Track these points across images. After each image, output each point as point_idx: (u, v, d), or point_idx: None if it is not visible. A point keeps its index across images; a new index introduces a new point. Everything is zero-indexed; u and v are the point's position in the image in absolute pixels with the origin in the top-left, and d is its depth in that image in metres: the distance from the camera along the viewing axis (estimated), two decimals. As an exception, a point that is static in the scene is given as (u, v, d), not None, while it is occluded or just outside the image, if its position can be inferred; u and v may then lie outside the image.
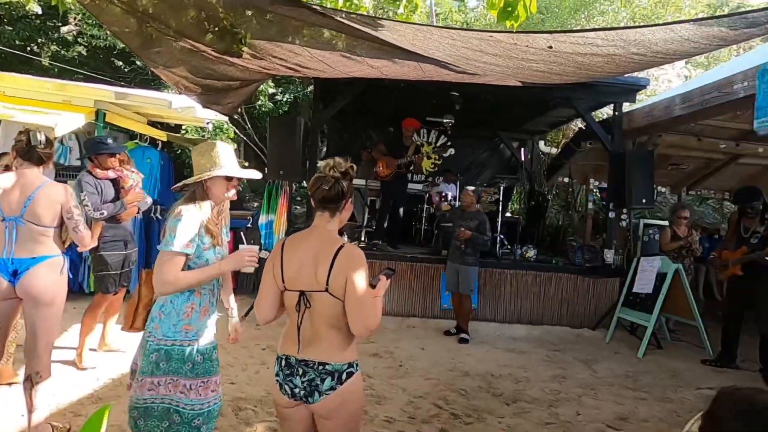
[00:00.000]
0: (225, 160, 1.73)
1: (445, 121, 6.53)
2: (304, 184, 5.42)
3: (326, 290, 1.43)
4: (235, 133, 9.13)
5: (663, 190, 7.82)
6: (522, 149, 8.37)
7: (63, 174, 5.33)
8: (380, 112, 7.51)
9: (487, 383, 3.55)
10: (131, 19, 2.85)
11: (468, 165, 8.25)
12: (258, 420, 2.71)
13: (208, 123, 6.13)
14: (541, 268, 5.35)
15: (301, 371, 1.46)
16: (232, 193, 1.80)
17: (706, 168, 7.06)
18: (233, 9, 2.85)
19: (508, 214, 7.87)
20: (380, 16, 3.11)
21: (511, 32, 2.19)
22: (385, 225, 5.92)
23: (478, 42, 2.34)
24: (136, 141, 5.48)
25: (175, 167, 5.69)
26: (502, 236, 5.76)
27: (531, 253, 5.46)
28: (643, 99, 7.06)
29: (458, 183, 6.93)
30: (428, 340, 4.49)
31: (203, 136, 7.69)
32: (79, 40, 10.05)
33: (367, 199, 6.39)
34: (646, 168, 5.11)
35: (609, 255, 5.39)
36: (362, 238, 5.74)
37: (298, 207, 10.07)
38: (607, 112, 7.23)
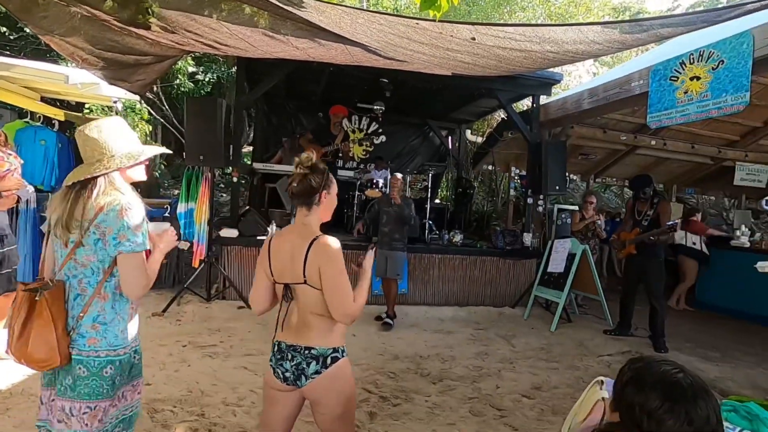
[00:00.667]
0: (119, 146, 1.48)
1: (375, 107, 6.53)
2: (229, 170, 5.12)
3: (305, 282, 1.51)
4: (150, 114, 8.37)
5: (574, 177, 8.54)
6: (450, 138, 8.64)
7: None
8: (310, 96, 7.31)
9: (415, 365, 3.66)
10: (9, -23, 2.45)
11: (399, 152, 8.37)
12: (177, 421, 2.55)
13: (116, 101, 5.52)
14: (467, 252, 5.60)
15: (290, 356, 1.54)
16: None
17: (609, 158, 7.81)
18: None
19: (437, 201, 8.13)
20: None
21: (435, 21, 2.21)
22: None
23: (405, 29, 2.34)
24: (27, 120, 4.80)
25: (75, 150, 5.06)
26: (430, 222, 5.94)
27: (458, 237, 5.69)
28: (558, 92, 7.59)
29: (389, 170, 7.01)
30: (359, 327, 4.51)
31: (111, 116, 6.94)
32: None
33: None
34: (560, 157, 5.52)
35: (527, 238, 5.79)
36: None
37: (224, 195, 9.56)
38: (526, 103, 7.68)
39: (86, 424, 1.39)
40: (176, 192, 7.85)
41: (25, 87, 4.94)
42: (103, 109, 6.92)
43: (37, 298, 1.38)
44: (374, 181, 6.44)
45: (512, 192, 8.33)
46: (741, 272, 5.88)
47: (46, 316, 1.37)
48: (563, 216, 6.51)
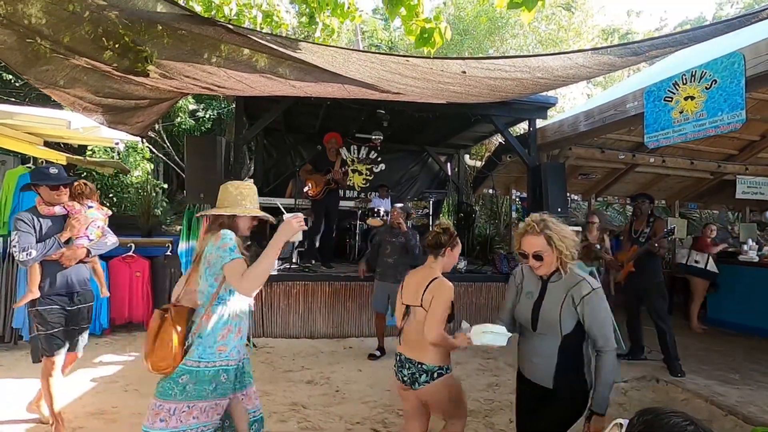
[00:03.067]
0: (251, 201, 1.98)
1: (373, 137, 6.59)
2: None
3: (420, 305, 2.10)
4: (151, 152, 8.50)
5: (575, 197, 8.52)
6: (449, 163, 8.69)
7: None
8: (308, 128, 7.41)
9: (424, 400, 3.55)
10: (11, 35, 2.52)
11: (399, 179, 8.40)
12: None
13: (117, 143, 5.61)
14: (471, 279, 5.52)
15: (406, 366, 2.12)
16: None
17: (609, 177, 7.81)
18: (136, 24, 2.64)
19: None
20: (298, 38, 3.05)
21: (426, 57, 2.25)
22: (317, 245, 5.80)
23: (396, 66, 2.38)
24: (29, 165, 4.87)
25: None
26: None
27: (462, 264, 5.62)
28: (554, 115, 7.67)
29: (390, 198, 7.03)
30: (365, 361, 4.41)
31: (113, 157, 7.04)
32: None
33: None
34: (560, 179, 5.52)
35: (532, 262, 5.71)
36: (294, 260, 5.56)
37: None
38: (523, 127, 7.75)
39: (181, 421, 1.69)
40: (178, 228, 7.87)
41: (28, 133, 5.04)
42: (105, 150, 7.04)
43: (164, 316, 1.77)
44: (375, 209, 6.44)
45: (514, 214, 8.31)
46: (751, 287, 5.78)
47: (171, 331, 1.72)
48: (567, 237, 6.47)
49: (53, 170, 2.80)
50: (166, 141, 9.21)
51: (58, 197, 2.76)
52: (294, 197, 5.81)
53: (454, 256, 2.20)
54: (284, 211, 2.05)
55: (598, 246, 5.25)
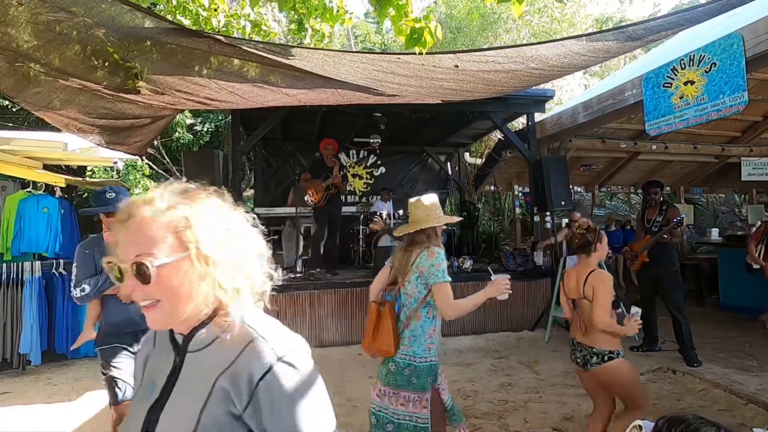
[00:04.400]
0: (440, 211, 2.16)
1: (372, 141, 6.57)
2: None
3: (583, 297, 2.32)
4: (151, 168, 8.50)
5: (579, 189, 8.44)
6: (449, 162, 8.64)
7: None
8: (306, 136, 7.39)
9: (437, 404, 3.49)
10: (1, 60, 2.50)
11: (400, 181, 8.37)
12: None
13: (116, 162, 5.61)
14: (478, 278, 5.45)
15: (579, 349, 2.37)
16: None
17: (612, 166, 7.73)
18: (124, 41, 2.62)
19: (442, 227, 8.04)
20: (288, 44, 3.02)
21: (416, 54, 2.21)
22: (321, 252, 5.76)
23: (387, 64, 2.34)
24: (29, 189, 4.87)
25: (78, 214, 5.10)
26: (438, 250, 5.83)
27: (467, 264, 5.56)
28: (552, 108, 7.61)
29: (392, 201, 6.99)
30: (376, 368, 4.35)
31: (113, 176, 7.05)
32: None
33: (302, 227, 6.20)
34: (562, 172, 5.45)
35: (538, 257, 5.65)
36: (299, 269, 5.52)
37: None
38: (522, 121, 7.70)
39: (401, 405, 1.96)
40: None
41: (27, 157, 5.04)
42: (104, 170, 7.05)
43: (380, 309, 2.05)
44: (378, 213, 6.40)
45: (518, 210, 8.24)
46: (762, 270, 5.67)
47: (388, 321, 2.00)
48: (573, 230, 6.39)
49: (109, 194, 2.47)
50: (166, 157, 9.23)
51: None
52: (295, 206, 5.78)
53: (604, 247, 2.39)
54: (491, 272, 2.21)
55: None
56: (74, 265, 2.32)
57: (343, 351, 4.82)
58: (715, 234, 7.86)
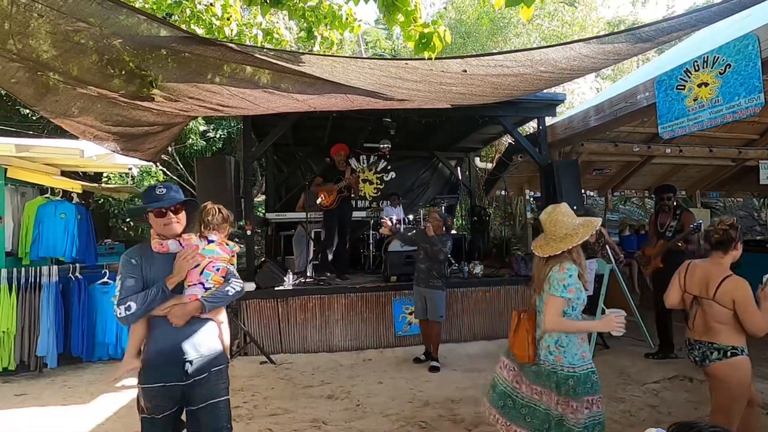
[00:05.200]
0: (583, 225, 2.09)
1: (382, 146, 6.58)
2: (241, 223, 5.15)
3: (713, 299, 2.27)
4: (165, 175, 8.65)
5: (591, 193, 8.34)
6: (459, 167, 8.62)
7: (-42, 241, 4.72)
8: (317, 141, 7.45)
9: (447, 410, 3.46)
10: (22, 70, 2.58)
11: (410, 187, 8.36)
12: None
13: (131, 168, 5.73)
14: (488, 283, 5.42)
15: (697, 347, 2.36)
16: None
17: (625, 170, 7.62)
18: (140, 50, 2.68)
19: (453, 232, 8.01)
20: (298, 51, 3.06)
21: (425, 59, 2.22)
22: (330, 257, 5.77)
23: (396, 70, 2.35)
24: (47, 195, 4.98)
25: (95, 220, 5.21)
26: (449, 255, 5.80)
27: (478, 269, 5.52)
28: (563, 112, 7.56)
29: (402, 206, 6.99)
30: (386, 373, 4.35)
31: (128, 182, 7.19)
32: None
33: (312, 232, 6.23)
34: (573, 176, 5.40)
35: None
36: (309, 273, 5.55)
37: (242, 246, 9.64)
38: (532, 126, 7.66)
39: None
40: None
41: (45, 164, 5.18)
42: (120, 176, 7.20)
43: (520, 317, 2.14)
44: (389, 218, 6.40)
45: (529, 214, 8.17)
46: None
47: (523, 329, 2.09)
48: (585, 235, 6.30)
49: (159, 190, 2.03)
50: (179, 163, 9.38)
51: (166, 227, 1.99)
52: (305, 210, 5.81)
53: (740, 247, 2.36)
54: (605, 309, 2.31)
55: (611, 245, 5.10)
56: (118, 277, 1.92)
57: (352, 356, 4.81)
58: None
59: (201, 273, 2.00)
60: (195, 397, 1.93)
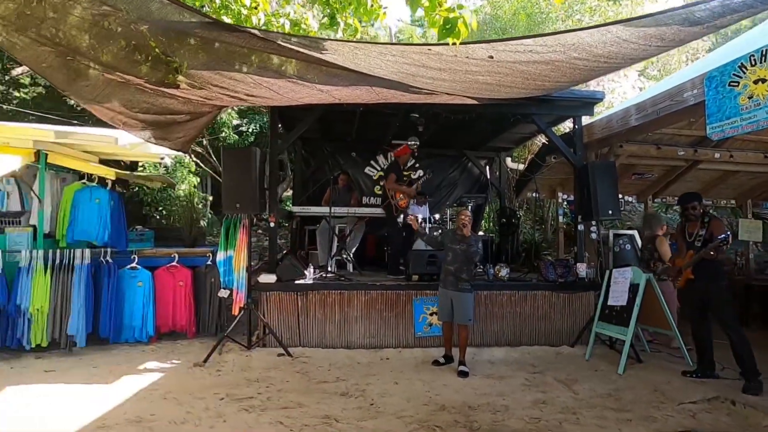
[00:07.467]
0: None
1: (410, 143, 6.47)
2: (265, 216, 5.18)
3: None
4: (198, 166, 8.87)
5: (630, 199, 7.91)
6: (489, 167, 8.39)
7: (1, 221, 4.97)
8: (344, 136, 7.42)
9: (464, 416, 3.31)
10: (53, 55, 2.65)
11: (438, 185, 8.20)
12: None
13: (163, 158, 5.88)
14: (514, 287, 5.21)
15: None
16: None
17: (669, 175, 7.17)
18: (165, 36, 2.70)
19: (480, 233, 7.79)
20: (321, 37, 3.00)
21: (448, 44, 2.10)
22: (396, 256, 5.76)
23: (418, 56, 2.25)
24: (83, 181, 5.17)
25: (127, 206, 5.37)
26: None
27: (504, 272, 5.32)
28: (601, 112, 7.20)
29: (428, 205, 6.85)
30: (402, 374, 4.24)
31: (161, 172, 7.40)
32: (37, 80, 9.77)
33: (336, 227, 6.20)
34: (610, 179, 5.11)
35: (582, 268, 5.31)
36: (330, 268, 5.51)
37: (265, 240, 9.77)
38: (567, 125, 7.33)
39: None
40: (222, 239, 8.12)
41: (84, 152, 5.38)
42: (154, 166, 7.43)
43: None
44: (414, 216, 6.28)
45: (561, 218, 7.84)
46: None
47: None
48: (620, 242, 5.97)
49: None
50: (212, 156, 9.60)
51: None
52: (330, 205, 5.79)
53: None
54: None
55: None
56: None
57: (370, 354, 4.73)
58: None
59: None
60: None
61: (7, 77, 9.57)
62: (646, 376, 4.10)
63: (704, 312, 4.04)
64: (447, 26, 2.03)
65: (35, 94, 9.79)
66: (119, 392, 3.65)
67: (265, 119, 10.19)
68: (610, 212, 5.08)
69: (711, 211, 5.20)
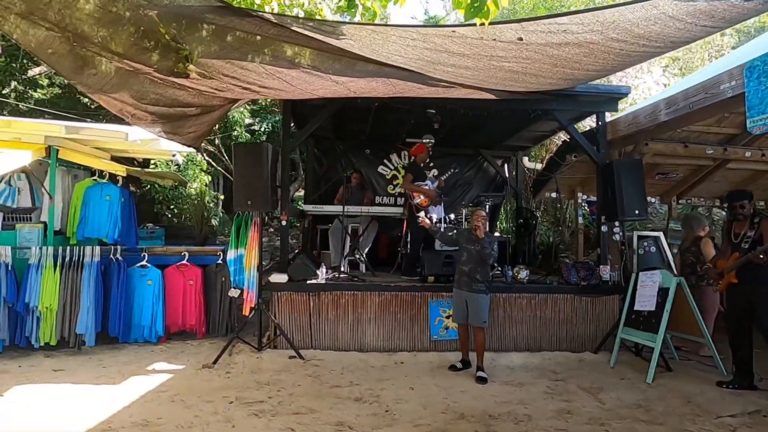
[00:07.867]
0: None
1: (425, 141, 6.29)
2: (277, 214, 5.06)
3: None
4: (209, 165, 8.82)
5: (653, 200, 7.60)
6: (506, 166, 8.17)
7: (11, 218, 4.93)
8: (358, 134, 7.28)
9: (484, 426, 3.13)
10: (59, 41, 2.55)
11: (453, 184, 8.00)
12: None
13: (175, 155, 5.80)
14: (534, 290, 5.00)
15: None
16: None
17: (694, 175, 6.87)
18: (175, 22, 2.58)
19: (496, 234, 7.57)
20: (338, 20, 2.85)
21: (474, 25, 1.93)
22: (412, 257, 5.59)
23: (441, 40, 2.08)
24: (94, 178, 5.11)
25: (138, 204, 5.30)
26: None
27: (523, 274, 5.11)
28: (625, 108, 6.94)
29: (443, 204, 6.66)
30: (418, 378, 4.07)
31: (172, 169, 7.35)
32: (54, 80, 9.86)
33: (349, 227, 6.05)
34: (636, 177, 4.87)
35: (605, 271, 5.07)
36: (342, 268, 5.37)
37: (276, 240, 9.67)
38: (588, 123, 7.08)
39: None
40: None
41: (96, 148, 5.33)
42: (166, 163, 7.38)
43: None
44: (429, 216, 6.10)
45: (580, 219, 7.57)
46: None
47: None
48: (645, 244, 5.70)
49: None
50: (224, 154, 9.55)
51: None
52: (343, 203, 5.65)
53: None
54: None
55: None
56: None
57: (384, 357, 4.57)
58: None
59: None
60: None
61: (24, 77, 9.66)
62: (677, 386, 3.86)
63: (746, 319, 3.78)
64: (475, 4, 1.86)
65: (52, 95, 9.87)
66: (127, 393, 3.55)
67: (277, 118, 10.11)
68: (637, 212, 4.84)
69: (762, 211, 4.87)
